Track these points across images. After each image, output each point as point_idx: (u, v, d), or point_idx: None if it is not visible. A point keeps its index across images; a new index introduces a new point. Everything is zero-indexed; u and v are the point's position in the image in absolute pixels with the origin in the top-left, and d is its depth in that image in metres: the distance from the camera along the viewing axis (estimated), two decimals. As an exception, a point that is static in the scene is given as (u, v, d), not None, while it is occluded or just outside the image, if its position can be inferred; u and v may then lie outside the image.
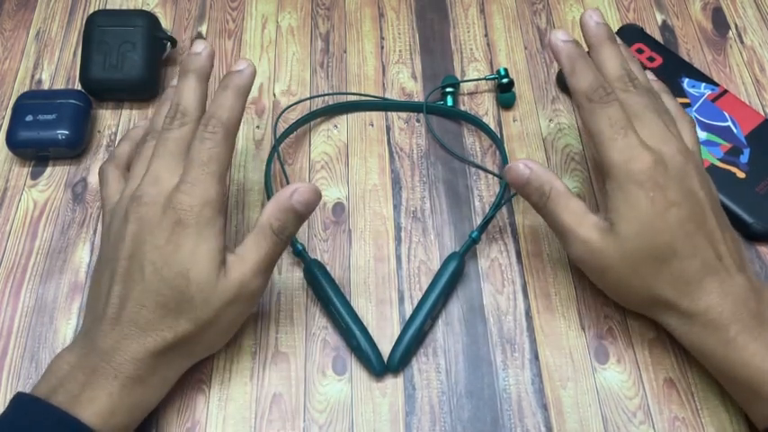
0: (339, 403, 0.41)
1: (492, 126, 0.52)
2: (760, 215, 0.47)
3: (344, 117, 0.53)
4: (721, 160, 0.49)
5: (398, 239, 0.47)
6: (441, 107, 0.53)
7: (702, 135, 0.50)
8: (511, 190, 0.49)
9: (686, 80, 0.53)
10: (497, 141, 0.51)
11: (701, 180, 0.39)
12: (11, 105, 0.52)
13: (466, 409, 0.41)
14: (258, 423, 0.40)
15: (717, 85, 0.53)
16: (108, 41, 0.52)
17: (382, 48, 0.56)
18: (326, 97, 0.54)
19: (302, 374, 0.42)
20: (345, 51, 0.56)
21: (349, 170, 0.50)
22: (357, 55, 0.56)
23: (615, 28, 0.57)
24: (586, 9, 0.41)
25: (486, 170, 0.50)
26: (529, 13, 0.59)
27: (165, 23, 0.58)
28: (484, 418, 0.41)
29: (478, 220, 0.48)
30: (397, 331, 0.44)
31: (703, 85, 0.53)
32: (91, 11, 0.58)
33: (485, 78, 0.54)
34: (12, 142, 0.49)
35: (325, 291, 0.43)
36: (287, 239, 0.39)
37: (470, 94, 0.54)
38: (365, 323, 0.43)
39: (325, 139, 0.52)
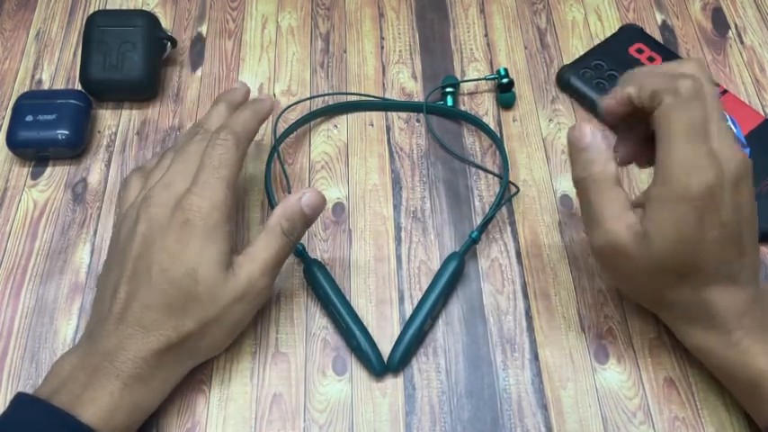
0: (339, 403, 0.41)
1: (492, 126, 0.52)
2: (760, 215, 0.47)
3: (344, 117, 0.53)
4: (721, 160, 0.49)
5: (398, 239, 0.47)
6: (441, 107, 0.53)
7: (702, 135, 0.50)
8: (511, 190, 0.49)
9: (686, 80, 0.53)
10: (497, 141, 0.51)
11: (749, 190, 0.36)
12: (11, 105, 0.52)
13: (466, 409, 0.41)
14: (258, 423, 0.40)
15: (717, 85, 0.53)
16: (108, 41, 0.52)
17: (382, 48, 0.56)
18: (326, 97, 0.54)
19: (302, 374, 0.42)
20: (345, 51, 0.56)
21: (349, 170, 0.50)
22: (357, 55, 0.56)
23: (615, 28, 0.57)
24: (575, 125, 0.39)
25: (486, 170, 0.50)
26: (529, 13, 0.59)
27: (165, 23, 0.58)
28: (484, 418, 0.41)
29: (478, 220, 0.48)
30: (397, 331, 0.44)
31: (703, 85, 0.53)
32: (91, 11, 0.58)
33: (485, 78, 0.54)
34: (12, 142, 0.49)
35: (325, 291, 0.43)
36: (295, 241, 0.41)
37: (470, 94, 0.54)
38: (365, 323, 0.43)
39: (325, 139, 0.52)
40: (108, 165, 0.50)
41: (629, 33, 0.56)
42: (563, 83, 0.54)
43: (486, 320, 0.44)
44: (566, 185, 0.49)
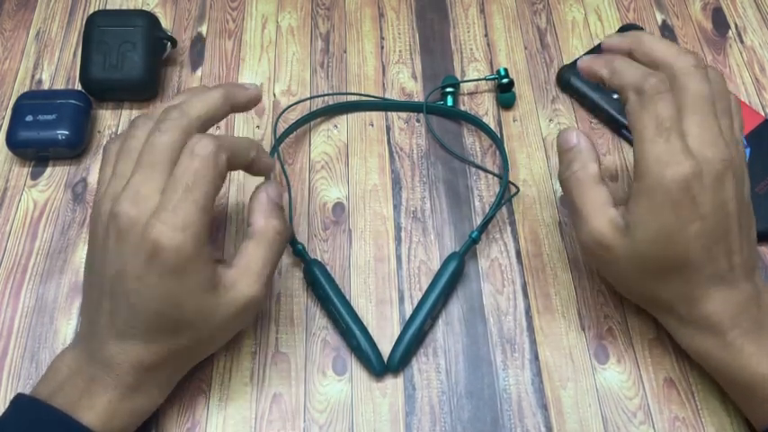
0: (339, 403, 0.41)
1: (492, 126, 0.52)
2: (760, 215, 0.47)
3: (344, 117, 0.53)
4: (721, 160, 0.49)
5: (398, 239, 0.47)
6: (441, 107, 0.52)
7: (702, 135, 0.50)
8: (511, 190, 0.49)
9: (686, 80, 0.53)
10: (497, 141, 0.51)
11: (736, 188, 0.37)
12: (11, 105, 0.52)
13: (466, 409, 0.41)
14: (258, 423, 0.40)
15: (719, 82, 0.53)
16: (108, 41, 0.52)
17: (382, 48, 0.56)
18: (326, 97, 0.54)
19: (302, 374, 0.42)
20: (345, 51, 0.56)
21: (349, 170, 0.50)
22: (357, 55, 0.56)
23: (615, 28, 0.57)
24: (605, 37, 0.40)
25: (486, 170, 0.50)
26: (529, 13, 0.59)
27: (165, 23, 0.58)
28: (484, 418, 0.41)
29: (478, 220, 0.48)
30: (397, 331, 0.44)
31: (703, 85, 0.53)
32: (91, 11, 0.58)
33: (485, 78, 0.54)
34: (12, 142, 0.49)
35: (325, 291, 0.43)
36: (287, 239, 0.39)
37: (470, 94, 0.54)
38: (365, 323, 0.43)
39: (325, 139, 0.52)
40: (108, 165, 0.50)
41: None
42: (563, 83, 0.54)
43: (486, 320, 0.44)
44: (566, 185, 0.49)
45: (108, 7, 0.59)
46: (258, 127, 0.52)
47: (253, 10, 0.59)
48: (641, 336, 0.43)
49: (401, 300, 0.45)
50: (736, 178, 0.37)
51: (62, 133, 0.49)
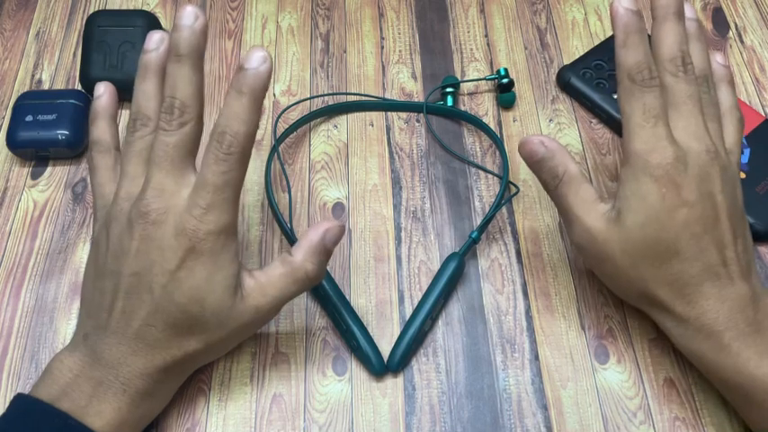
0: (339, 403, 0.41)
1: (492, 126, 0.52)
2: (760, 215, 0.47)
3: (344, 117, 0.53)
4: (721, 160, 0.49)
5: (398, 239, 0.47)
6: (441, 107, 0.53)
7: (702, 135, 0.50)
8: (511, 190, 0.49)
9: (686, 80, 0.53)
10: (497, 141, 0.51)
11: (724, 183, 0.38)
12: (11, 105, 0.52)
13: (466, 409, 0.41)
14: (258, 423, 0.40)
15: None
16: (108, 41, 0.52)
17: (382, 48, 0.56)
18: (326, 97, 0.54)
19: (302, 375, 0.42)
20: (345, 51, 0.56)
21: (349, 170, 0.50)
22: (357, 55, 0.56)
23: (615, 28, 0.57)
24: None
25: (486, 170, 0.50)
26: (529, 13, 0.59)
27: (165, 23, 0.58)
28: (484, 418, 0.41)
29: (478, 220, 0.48)
30: (397, 331, 0.44)
31: (703, 85, 0.53)
32: (91, 11, 0.58)
33: (485, 78, 0.54)
34: (12, 142, 0.49)
35: (325, 291, 0.43)
36: (315, 283, 0.39)
37: (470, 94, 0.54)
38: (365, 323, 0.43)
39: (325, 139, 0.52)
40: (108, 165, 0.50)
41: (629, 33, 0.56)
42: (563, 83, 0.54)
43: (486, 320, 0.44)
44: (566, 185, 0.49)
45: (108, 7, 0.59)
46: (258, 127, 0.52)
47: (253, 10, 0.59)
48: (641, 336, 0.43)
49: (401, 300, 0.45)
50: (724, 175, 0.38)
51: (62, 133, 0.49)
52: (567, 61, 0.56)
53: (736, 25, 0.58)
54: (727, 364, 0.37)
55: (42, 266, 0.46)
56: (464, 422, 0.41)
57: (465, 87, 0.54)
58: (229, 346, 0.40)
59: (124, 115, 0.53)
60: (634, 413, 0.41)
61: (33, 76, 0.55)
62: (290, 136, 0.52)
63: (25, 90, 0.54)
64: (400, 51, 0.56)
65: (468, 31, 0.58)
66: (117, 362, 0.35)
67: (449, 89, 0.53)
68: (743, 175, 0.48)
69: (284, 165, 0.50)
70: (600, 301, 0.45)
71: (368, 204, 0.49)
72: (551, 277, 0.46)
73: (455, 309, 0.44)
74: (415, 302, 0.44)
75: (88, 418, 0.34)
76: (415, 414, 0.41)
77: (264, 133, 0.52)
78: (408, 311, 0.44)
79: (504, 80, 0.53)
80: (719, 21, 0.59)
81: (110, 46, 0.52)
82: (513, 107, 0.53)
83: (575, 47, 0.57)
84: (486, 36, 0.57)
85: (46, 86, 0.54)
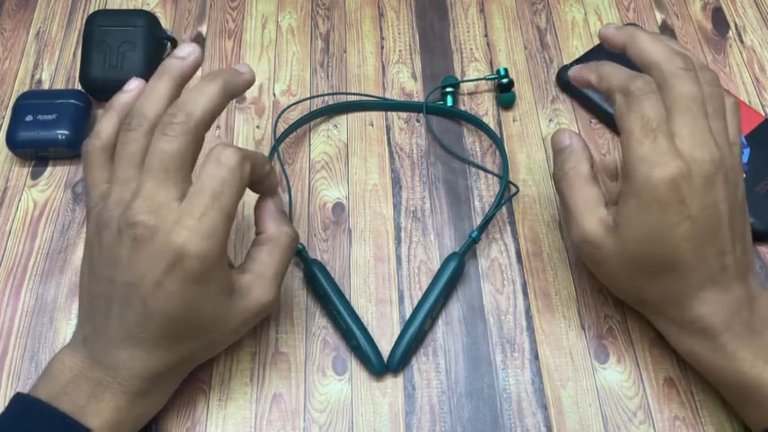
0: (339, 403, 0.41)
1: (492, 126, 0.52)
2: (760, 215, 0.47)
3: (344, 117, 0.53)
4: (721, 160, 0.49)
5: (398, 239, 0.47)
6: (441, 107, 0.53)
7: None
8: (511, 190, 0.49)
9: (686, 80, 0.53)
10: (497, 141, 0.51)
11: (727, 190, 0.36)
12: (11, 105, 0.52)
13: (466, 409, 0.41)
14: (258, 423, 0.40)
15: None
16: (108, 41, 0.52)
17: (382, 48, 0.56)
18: (326, 97, 0.54)
19: (302, 374, 0.42)
20: (345, 51, 0.56)
21: (349, 170, 0.50)
22: (357, 55, 0.56)
23: (615, 28, 0.57)
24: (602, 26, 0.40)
25: (486, 170, 0.50)
26: (529, 13, 0.59)
27: (165, 23, 0.58)
28: (484, 418, 0.41)
29: (478, 220, 0.48)
30: (397, 331, 0.44)
31: (703, 84, 0.53)
32: (91, 11, 0.58)
33: (485, 78, 0.54)
34: (12, 142, 0.49)
35: (325, 291, 0.43)
36: (297, 245, 0.40)
37: (470, 94, 0.54)
38: (365, 323, 0.43)
39: (325, 139, 0.52)
40: (108, 165, 0.50)
41: (629, 33, 0.56)
42: (563, 83, 0.54)
43: (486, 320, 0.44)
44: (566, 185, 0.49)
45: (108, 7, 0.59)
46: (258, 127, 0.52)
47: (253, 10, 0.59)
48: (641, 335, 0.43)
49: (401, 300, 0.45)
50: (727, 180, 0.36)
51: (62, 133, 0.49)
52: (566, 61, 0.56)
53: (736, 25, 0.58)
54: (723, 365, 0.37)
55: (42, 266, 0.46)
56: (464, 422, 0.41)
57: (465, 87, 0.54)
58: (231, 341, 0.40)
59: (124, 115, 0.53)
60: (634, 413, 0.41)
61: (33, 76, 0.55)
62: (290, 136, 0.52)
63: (25, 90, 0.54)
64: (400, 51, 0.56)
65: (468, 31, 0.58)
66: (115, 364, 0.35)
67: (449, 89, 0.53)
68: (743, 176, 0.48)
69: (284, 165, 0.50)
70: (600, 300, 0.45)
71: (368, 204, 0.49)
72: (551, 277, 0.46)
73: (455, 308, 0.44)
74: (415, 302, 0.44)
75: (86, 417, 0.34)
76: (415, 414, 0.41)
77: (264, 133, 0.52)
78: (408, 311, 0.44)
79: (504, 80, 0.53)
80: (719, 21, 0.59)
81: (110, 46, 0.52)
82: (512, 107, 0.53)
83: (575, 47, 0.57)
84: (486, 36, 0.57)
85: (46, 86, 0.54)
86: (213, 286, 0.35)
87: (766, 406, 0.36)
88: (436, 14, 0.59)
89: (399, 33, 0.57)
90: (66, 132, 0.49)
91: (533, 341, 0.43)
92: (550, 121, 0.53)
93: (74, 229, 0.47)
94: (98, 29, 0.52)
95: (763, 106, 0.54)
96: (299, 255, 0.45)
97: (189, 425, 0.40)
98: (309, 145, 0.51)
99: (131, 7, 0.59)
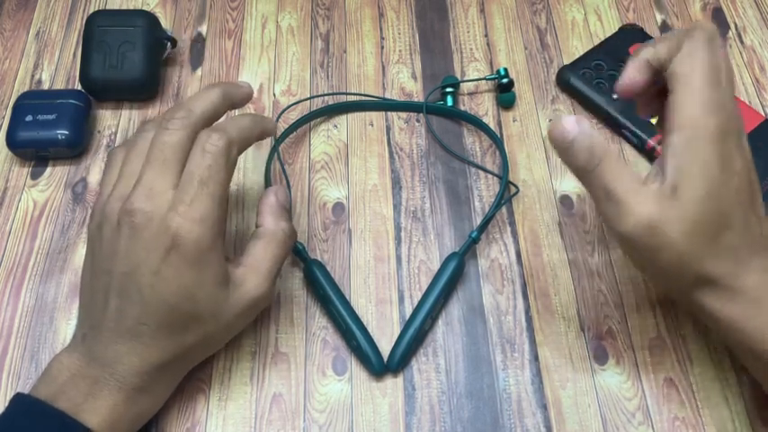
0: (339, 403, 0.41)
1: (492, 126, 0.52)
2: (760, 215, 0.47)
3: (344, 117, 0.53)
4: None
5: (398, 239, 0.47)
6: (441, 107, 0.53)
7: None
8: (511, 190, 0.49)
9: (686, 80, 0.53)
10: (497, 141, 0.51)
11: (749, 150, 0.36)
12: (11, 105, 0.52)
13: (466, 409, 0.41)
14: (258, 423, 0.40)
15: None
16: (108, 41, 0.52)
17: (382, 48, 0.56)
18: (326, 97, 0.54)
19: (302, 374, 0.42)
20: (345, 51, 0.56)
21: (349, 170, 0.50)
22: (357, 55, 0.56)
23: (615, 28, 0.57)
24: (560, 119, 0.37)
25: (486, 170, 0.50)
26: (529, 13, 0.59)
27: (165, 23, 0.58)
28: (484, 418, 0.41)
29: (478, 220, 0.48)
30: (397, 331, 0.44)
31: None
32: (91, 11, 0.58)
33: (485, 78, 0.54)
34: (12, 142, 0.49)
35: (325, 291, 0.43)
36: (294, 241, 0.41)
37: (470, 94, 0.54)
38: (365, 323, 0.43)
39: (325, 139, 0.52)
40: (108, 165, 0.50)
41: (629, 33, 0.56)
42: (563, 83, 0.54)
43: (486, 320, 0.44)
44: (566, 185, 0.49)
45: (108, 7, 0.59)
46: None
47: (253, 10, 0.59)
48: (641, 336, 0.43)
49: (401, 300, 0.45)
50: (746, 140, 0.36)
51: (62, 133, 0.49)
52: (566, 61, 0.56)
53: (735, 25, 0.58)
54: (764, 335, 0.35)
55: (42, 266, 0.46)
56: (464, 422, 0.41)
57: (465, 87, 0.54)
58: (228, 337, 0.40)
59: (123, 115, 0.53)
60: (633, 414, 0.41)
61: (33, 76, 0.55)
62: (290, 136, 0.52)
63: (25, 90, 0.53)
64: (400, 51, 0.56)
65: (468, 31, 0.58)
66: (113, 360, 0.36)
67: (449, 89, 0.53)
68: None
69: (284, 165, 0.50)
70: (600, 301, 0.45)
71: (368, 204, 0.49)
72: (551, 277, 0.46)
73: (455, 309, 0.44)
74: (415, 302, 0.44)
75: (84, 415, 0.34)
76: (414, 414, 0.41)
77: (264, 133, 0.52)
78: (408, 311, 0.44)
79: (504, 80, 0.53)
80: (719, 21, 0.59)
81: (110, 46, 0.52)
82: (512, 107, 0.53)
83: (575, 47, 0.57)
84: (486, 36, 0.57)
85: (46, 86, 0.54)
86: (208, 273, 0.36)
87: None
88: (436, 14, 0.59)
89: (399, 33, 0.57)
90: (66, 132, 0.49)
91: (533, 342, 0.43)
92: (550, 121, 0.53)
93: (74, 228, 0.47)
94: (98, 29, 0.52)
95: (763, 106, 0.54)
96: (298, 255, 0.45)
97: (189, 425, 0.40)
98: (309, 145, 0.51)
99: (131, 7, 0.59)
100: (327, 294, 0.43)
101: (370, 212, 0.48)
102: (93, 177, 0.50)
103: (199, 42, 0.57)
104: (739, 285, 0.36)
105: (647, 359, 0.42)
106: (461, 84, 0.54)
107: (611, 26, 0.58)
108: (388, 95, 0.54)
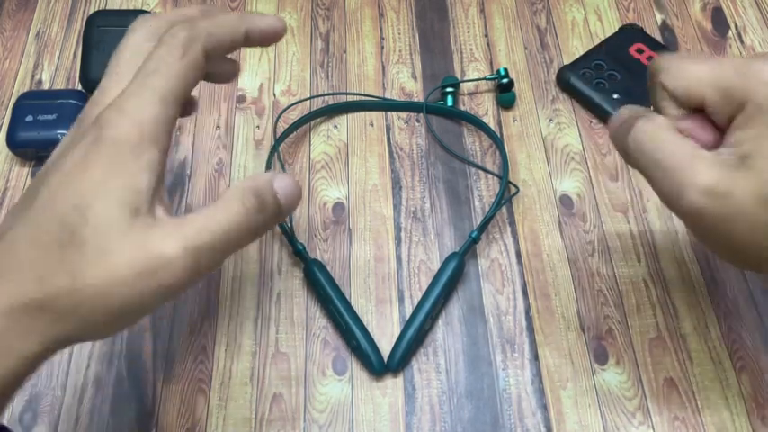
0: (339, 403, 0.41)
1: (492, 126, 0.52)
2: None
3: (344, 117, 0.53)
4: (721, 160, 0.49)
5: (398, 239, 0.47)
6: (441, 107, 0.53)
7: (702, 135, 0.50)
8: (511, 190, 0.49)
9: (686, 80, 0.53)
10: (497, 141, 0.51)
11: None
12: (11, 105, 0.52)
13: (466, 409, 0.41)
14: (258, 423, 0.40)
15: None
16: (108, 41, 0.52)
17: (382, 48, 0.57)
18: (326, 97, 0.54)
19: (302, 374, 0.42)
20: (345, 51, 0.56)
21: (349, 170, 0.50)
22: (357, 55, 0.56)
23: (615, 28, 0.57)
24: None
25: (486, 170, 0.50)
26: (529, 13, 0.59)
27: (165, 23, 0.58)
28: (484, 418, 0.41)
29: (478, 220, 0.48)
30: (397, 331, 0.44)
31: (703, 85, 0.53)
32: (91, 11, 0.58)
33: (485, 78, 0.54)
34: (12, 142, 0.49)
35: (325, 291, 0.43)
36: (257, 227, 0.30)
37: (470, 94, 0.54)
38: (365, 323, 0.43)
39: (325, 139, 0.52)
40: (108, 165, 0.50)
41: (629, 33, 0.56)
42: (563, 83, 0.54)
43: (486, 320, 0.44)
44: (566, 185, 0.49)
45: (108, 7, 0.59)
46: (258, 127, 0.52)
47: (253, 10, 0.59)
48: (641, 336, 0.43)
49: (401, 300, 0.45)
50: None
51: (62, 133, 0.49)
52: (567, 61, 0.56)
53: (735, 25, 0.58)
54: None
55: (42, 266, 0.46)
56: (464, 422, 0.41)
57: (465, 87, 0.54)
58: (109, 318, 0.27)
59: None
60: (633, 414, 0.41)
61: (33, 76, 0.55)
62: (290, 136, 0.52)
63: (25, 90, 0.54)
64: (400, 51, 0.56)
65: (468, 31, 0.58)
66: None
67: (449, 89, 0.53)
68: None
69: (284, 165, 0.50)
70: (600, 301, 0.45)
71: (368, 204, 0.49)
72: (551, 277, 0.46)
73: (455, 308, 0.44)
74: (415, 302, 0.44)
75: None
76: (415, 414, 0.41)
77: (264, 133, 0.52)
78: (408, 311, 0.44)
79: (504, 80, 0.53)
80: (719, 21, 0.59)
81: (110, 46, 0.51)
82: (513, 107, 0.53)
83: (575, 47, 0.57)
84: (486, 36, 0.57)
85: (46, 86, 0.54)
86: (118, 181, 0.27)
87: None
88: (436, 14, 0.59)
89: (399, 33, 0.57)
90: (66, 132, 0.49)
91: (533, 341, 0.43)
92: (550, 121, 0.53)
93: (74, 229, 0.47)
94: (98, 29, 0.52)
95: (762, 106, 0.54)
96: (299, 255, 0.45)
97: (189, 425, 0.40)
98: (309, 145, 0.51)
99: (131, 7, 0.59)
100: (327, 294, 0.43)
101: (371, 212, 0.48)
102: (94, 177, 0.50)
103: (199, 42, 0.57)
104: None
105: (647, 359, 0.43)
106: (461, 84, 0.54)
107: (611, 26, 0.58)
108: (388, 95, 0.54)
